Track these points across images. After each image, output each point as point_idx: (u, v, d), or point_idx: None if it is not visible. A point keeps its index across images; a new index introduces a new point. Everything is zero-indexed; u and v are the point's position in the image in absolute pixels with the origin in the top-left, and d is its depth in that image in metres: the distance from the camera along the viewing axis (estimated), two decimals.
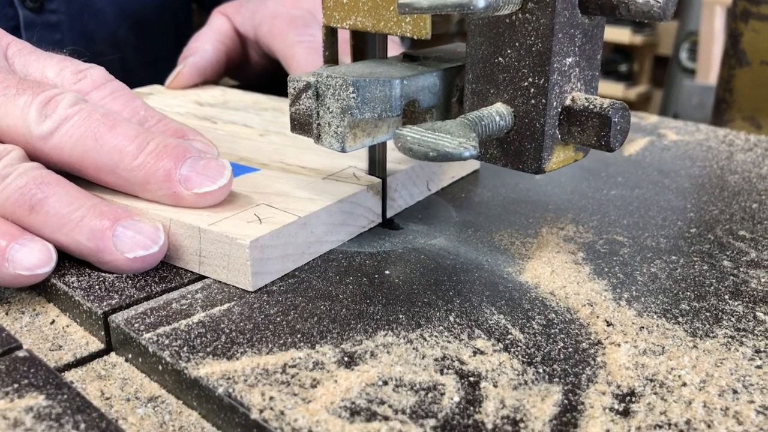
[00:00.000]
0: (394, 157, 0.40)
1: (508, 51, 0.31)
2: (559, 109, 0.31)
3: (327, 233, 0.35)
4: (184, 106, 0.54)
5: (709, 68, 1.98)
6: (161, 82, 0.60)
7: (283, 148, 0.44)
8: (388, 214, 0.39)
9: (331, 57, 0.37)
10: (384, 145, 0.38)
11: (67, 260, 0.34)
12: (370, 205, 0.38)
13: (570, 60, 0.30)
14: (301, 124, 0.34)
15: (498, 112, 0.31)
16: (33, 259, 0.31)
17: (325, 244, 0.35)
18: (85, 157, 0.34)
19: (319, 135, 0.33)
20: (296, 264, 0.34)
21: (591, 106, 0.30)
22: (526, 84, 0.30)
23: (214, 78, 0.61)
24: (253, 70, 0.64)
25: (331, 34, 0.37)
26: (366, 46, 0.37)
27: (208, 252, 0.32)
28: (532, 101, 0.30)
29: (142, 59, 0.75)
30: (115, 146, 0.34)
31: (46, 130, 0.34)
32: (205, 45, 0.60)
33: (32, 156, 0.35)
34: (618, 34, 2.58)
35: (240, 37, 0.62)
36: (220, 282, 0.32)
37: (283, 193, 0.36)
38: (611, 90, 2.60)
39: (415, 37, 0.33)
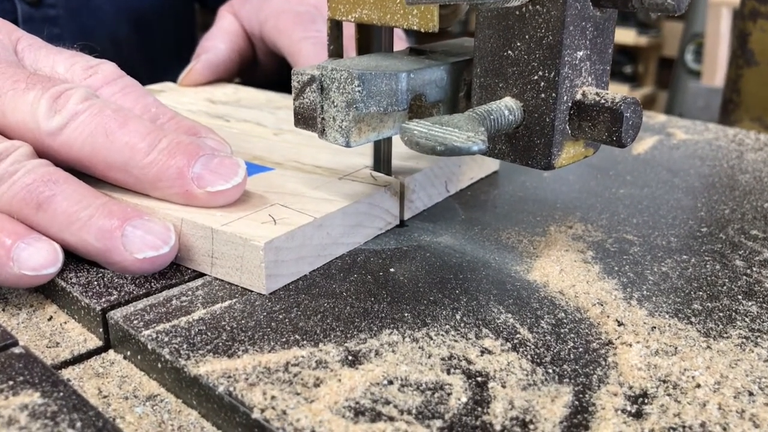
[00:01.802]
0: (409, 155, 0.40)
1: (518, 44, 0.30)
2: (570, 104, 0.30)
3: (343, 235, 0.34)
4: (196, 103, 0.53)
5: (715, 70, 1.97)
6: (162, 80, 0.60)
7: (298, 147, 0.43)
8: (406, 216, 0.38)
9: (335, 51, 0.36)
10: (390, 141, 0.37)
11: (66, 256, 0.33)
12: (388, 206, 0.37)
13: (581, 53, 0.30)
14: (305, 119, 0.33)
15: (507, 107, 0.30)
16: (39, 259, 0.30)
17: (341, 247, 0.34)
18: (95, 153, 0.33)
19: (324, 129, 0.32)
20: (312, 266, 0.33)
21: (602, 101, 0.30)
22: (535, 78, 0.30)
23: (226, 76, 0.60)
24: (260, 68, 0.63)
25: (335, 28, 0.36)
26: (371, 39, 0.36)
27: (220, 253, 0.31)
28: (542, 95, 0.30)
29: (143, 57, 0.75)
30: (127, 143, 0.33)
31: (56, 125, 0.33)
32: (218, 43, 0.59)
33: (41, 152, 0.34)
34: (623, 36, 2.58)
35: (247, 34, 0.61)
36: (221, 279, 0.32)
37: (297, 193, 0.35)
38: (616, 91, 2.60)
39: (422, 30, 0.32)
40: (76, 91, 0.34)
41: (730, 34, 1.87)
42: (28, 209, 0.31)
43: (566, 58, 0.29)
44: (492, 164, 0.46)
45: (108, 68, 0.38)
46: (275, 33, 0.56)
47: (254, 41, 0.61)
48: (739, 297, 0.31)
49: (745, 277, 0.33)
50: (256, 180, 0.37)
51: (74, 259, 0.33)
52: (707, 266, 0.34)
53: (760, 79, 0.84)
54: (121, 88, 0.37)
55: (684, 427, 0.23)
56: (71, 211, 0.31)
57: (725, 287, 0.32)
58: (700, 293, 0.32)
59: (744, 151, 0.52)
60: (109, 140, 0.33)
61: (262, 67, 0.63)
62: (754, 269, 0.34)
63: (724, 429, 0.23)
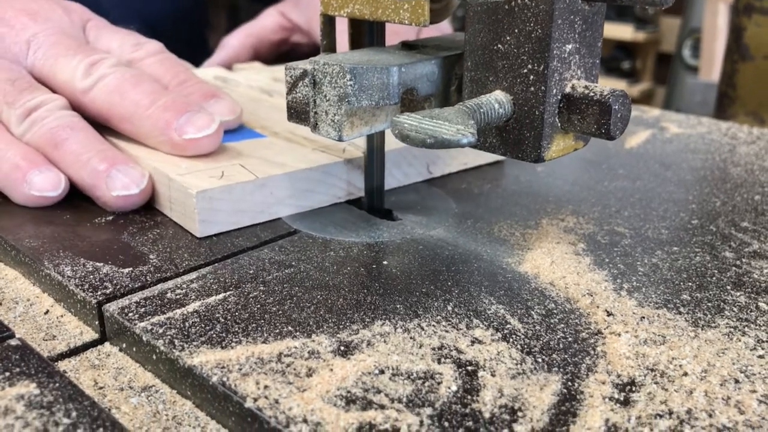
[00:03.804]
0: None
1: (507, 38, 0.30)
2: (559, 97, 0.30)
3: (291, 197, 0.38)
4: (260, 80, 0.59)
5: (712, 65, 1.97)
6: None
7: None
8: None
9: (328, 46, 0.37)
10: (382, 133, 0.38)
11: (62, 250, 0.33)
12: (349, 177, 0.39)
13: (570, 47, 0.30)
14: (297, 113, 0.33)
15: (497, 100, 0.31)
16: (45, 184, 0.38)
17: (290, 207, 0.38)
18: (112, 108, 0.41)
19: (316, 124, 0.32)
20: (253, 220, 0.37)
21: (591, 94, 0.30)
22: (525, 71, 0.30)
23: (242, 61, 0.69)
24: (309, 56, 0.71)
25: (328, 23, 0.36)
26: (363, 34, 0.37)
27: (174, 199, 0.36)
28: (532, 89, 0.30)
29: None
30: (134, 100, 0.40)
31: (87, 85, 0.41)
32: (232, 40, 0.70)
33: (75, 106, 0.42)
34: (621, 31, 2.58)
35: (294, 28, 0.71)
36: (215, 272, 0.32)
37: (265, 157, 0.39)
38: (614, 86, 2.60)
39: (413, 25, 0.32)
40: (108, 59, 0.42)
41: (727, 29, 1.87)
42: (48, 147, 0.39)
43: (555, 52, 0.29)
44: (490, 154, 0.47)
45: (152, 45, 0.47)
46: (316, 27, 0.65)
47: (304, 33, 0.72)
48: (728, 287, 0.32)
49: (734, 268, 0.33)
50: (244, 144, 0.42)
51: (70, 253, 0.33)
52: (697, 257, 0.34)
53: (755, 74, 0.84)
54: (159, 60, 0.46)
55: (671, 413, 0.24)
56: (77, 153, 0.39)
57: (714, 278, 0.32)
58: (690, 284, 0.32)
59: (736, 144, 0.53)
60: (122, 98, 0.41)
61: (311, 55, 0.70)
62: (744, 260, 0.34)
63: (710, 415, 0.23)
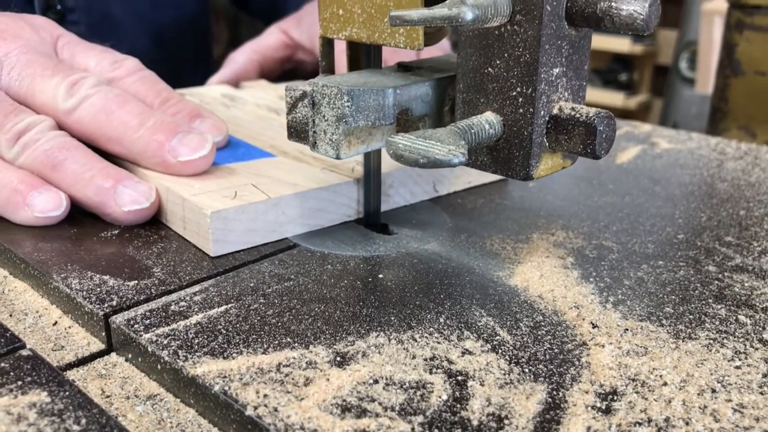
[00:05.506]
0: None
1: (497, 62, 0.32)
2: (547, 118, 0.32)
3: (302, 216, 0.39)
4: (267, 99, 0.60)
5: (709, 78, 1.99)
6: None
7: None
8: (383, 208, 0.41)
9: (327, 67, 0.38)
10: (379, 152, 0.39)
11: (70, 264, 0.35)
12: (359, 196, 0.40)
13: (557, 70, 0.31)
14: (297, 132, 0.35)
15: (487, 121, 0.32)
16: (47, 204, 0.38)
17: (301, 227, 0.39)
18: (99, 128, 0.41)
19: (315, 142, 0.34)
20: (265, 239, 0.37)
21: (577, 115, 0.31)
22: (514, 93, 0.31)
23: (246, 79, 0.70)
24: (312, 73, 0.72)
25: (327, 45, 0.38)
26: (361, 56, 0.38)
27: (188, 219, 0.37)
28: (521, 110, 0.31)
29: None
30: (122, 121, 0.41)
31: (70, 106, 0.41)
32: (239, 56, 0.71)
33: (60, 127, 0.41)
34: (618, 44, 2.60)
35: (297, 46, 0.72)
36: (217, 285, 0.33)
37: (276, 177, 0.40)
38: (611, 99, 2.62)
39: (408, 48, 0.34)
40: (89, 79, 0.42)
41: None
42: (46, 169, 0.39)
43: (543, 75, 0.31)
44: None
45: (131, 63, 0.47)
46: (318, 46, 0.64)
47: (307, 52, 0.73)
48: (710, 300, 0.33)
49: (716, 281, 0.35)
50: (253, 164, 0.42)
51: (78, 266, 0.34)
52: (681, 271, 0.36)
53: (746, 89, 0.86)
54: (140, 78, 0.46)
55: (649, 421, 0.25)
56: (78, 172, 0.39)
57: (697, 291, 0.34)
58: (673, 297, 0.33)
59: (724, 159, 0.54)
60: (109, 119, 0.41)
61: (314, 72, 0.71)
62: (726, 274, 0.35)
63: (687, 423, 0.25)
